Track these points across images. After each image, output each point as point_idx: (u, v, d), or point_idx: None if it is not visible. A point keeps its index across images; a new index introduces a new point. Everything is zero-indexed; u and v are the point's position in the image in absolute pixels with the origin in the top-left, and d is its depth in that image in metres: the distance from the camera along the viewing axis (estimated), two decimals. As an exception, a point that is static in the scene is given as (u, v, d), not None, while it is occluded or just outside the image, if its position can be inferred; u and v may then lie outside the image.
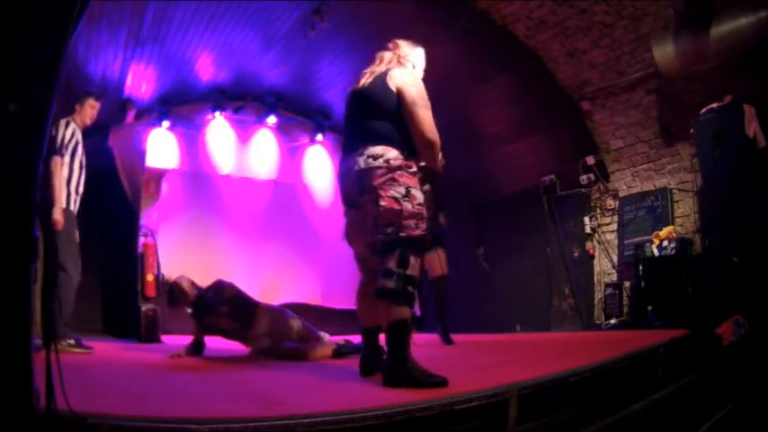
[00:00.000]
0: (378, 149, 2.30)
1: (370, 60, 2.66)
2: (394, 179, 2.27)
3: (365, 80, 2.52)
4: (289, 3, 5.38)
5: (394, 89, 2.38)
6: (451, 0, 5.43)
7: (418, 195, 2.31)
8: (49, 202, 3.77)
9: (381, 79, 2.43)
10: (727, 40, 4.29)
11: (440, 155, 2.48)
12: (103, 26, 4.88)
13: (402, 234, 2.23)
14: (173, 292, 3.65)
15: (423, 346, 3.97)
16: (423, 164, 2.44)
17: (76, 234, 4.02)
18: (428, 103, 2.38)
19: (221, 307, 3.60)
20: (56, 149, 3.89)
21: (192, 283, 3.70)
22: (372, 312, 2.43)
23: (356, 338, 3.56)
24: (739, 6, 4.24)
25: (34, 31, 1.18)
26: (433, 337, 4.79)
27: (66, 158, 3.95)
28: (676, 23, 4.65)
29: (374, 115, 2.38)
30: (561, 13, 5.21)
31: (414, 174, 2.35)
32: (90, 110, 4.18)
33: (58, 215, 3.76)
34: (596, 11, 5.04)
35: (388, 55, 2.58)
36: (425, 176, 2.47)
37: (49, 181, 3.78)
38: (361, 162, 2.31)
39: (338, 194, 2.60)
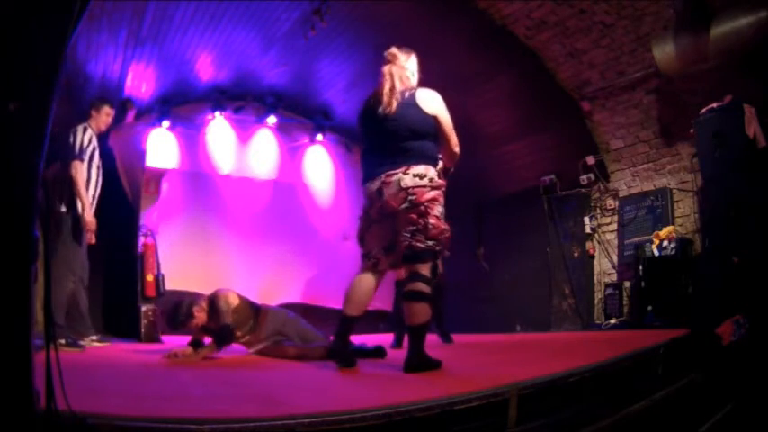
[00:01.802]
0: (421, 169, 2.58)
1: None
2: (435, 199, 2.58)
3: (389, 106, 2.67)
4: (289, 3, 5.37)
5: (431, 114, 2.66)
6: (451, 0, 5.43)
7: (443, 212, 2.66)
8: (74, 204, 3.96)
9: (412, 105, 2.66)
10: (727, 40, 4.29)
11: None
12: (103, 26, 4.88)
13: (438, 248, 2.59)
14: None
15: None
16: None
17: (84, 239, 4.08)
18: None
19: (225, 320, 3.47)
20: (75, 154, 3.98)
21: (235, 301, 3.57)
22: (365, 302, 2.67)
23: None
24: (739, 6, 4.24)
25: (34, 31, 1.18)
26: (432, 338, 4.80)
27: (84, 164, 4.05)
28: (676, 23, 4.65)
29: (413, 137, 2.63)
30: (561, 13, 5.21)
31: (443, 193, 2.66)
32: (105, 117, 4.37)
33: (89, 217, 3.90)
34: (596, 11, 5.04)
35: (393, 69, 2.76)
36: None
37: (74, 185, 3.91)
38: (408, 180, 2.56)
39: (364, 206, 2.78)
